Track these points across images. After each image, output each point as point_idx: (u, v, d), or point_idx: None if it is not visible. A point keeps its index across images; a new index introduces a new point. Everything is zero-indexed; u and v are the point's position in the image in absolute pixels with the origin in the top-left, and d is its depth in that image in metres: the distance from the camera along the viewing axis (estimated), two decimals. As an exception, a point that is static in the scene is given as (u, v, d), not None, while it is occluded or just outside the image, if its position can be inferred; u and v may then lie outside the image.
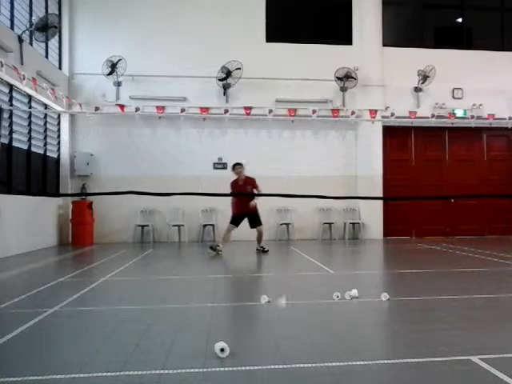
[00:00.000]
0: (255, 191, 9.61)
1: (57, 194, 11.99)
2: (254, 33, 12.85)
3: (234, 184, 9.77)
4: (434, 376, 2.81)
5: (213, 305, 4.73)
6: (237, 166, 9.77)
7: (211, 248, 9.46)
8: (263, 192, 9.36)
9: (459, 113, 13.19)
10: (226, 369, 2.90)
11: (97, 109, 11.60)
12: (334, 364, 2.96)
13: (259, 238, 9.84)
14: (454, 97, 13.43)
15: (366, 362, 2.99)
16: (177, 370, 2.89)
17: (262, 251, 9.61)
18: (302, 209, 12.71)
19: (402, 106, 12.72)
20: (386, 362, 3.04)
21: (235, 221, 9.74)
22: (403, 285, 6.01)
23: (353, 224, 13.05)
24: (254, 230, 9.82)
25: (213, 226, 12.49)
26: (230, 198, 9.94)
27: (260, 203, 9.75)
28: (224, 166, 12.65)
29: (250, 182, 9.72)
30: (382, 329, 4.07)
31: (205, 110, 11.96)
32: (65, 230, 11.88)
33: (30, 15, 10.50)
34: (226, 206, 12.35)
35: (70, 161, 12.18)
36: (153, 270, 7.75)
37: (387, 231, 13.22)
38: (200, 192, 11.32)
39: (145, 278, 6.72)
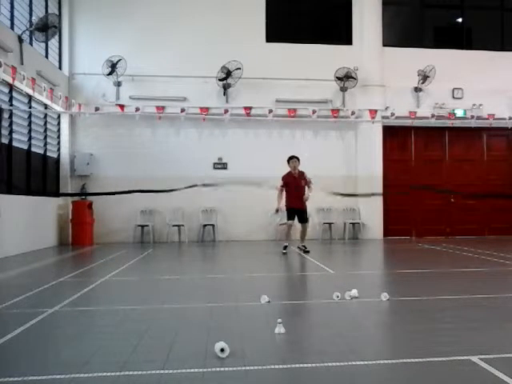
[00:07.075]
0: (307, 188, 9.29)
1: (57, 194, 11.96)
2: (254, 33, 12.85)
3: (288, 177, 9.41)
4: (434, 376, 2.81)
5: (213, 305, 4.73)
6: (293, 159, 9.41)
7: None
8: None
9: (459, 113, 13.19)
10: (226, 369, 2.90)
11: (97, 109, 11.60)
12: (333, 364, 2.96)
13: (303, 236, 9.69)
14: (453, 97, 13.42)
15: (365, 362, 2.99)
16: (177, 370, 2.89)
17: (304, 251, 9.39)
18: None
19: (402, 106, 12.72)
20: (385, 361, 3.03)
21: (289, 215, 9.44)
22: (403, 285, 6.00)
23: (353, 224, 13.04)
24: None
25: (213, 225, 12.49)
26: (282, 190, 9.41)
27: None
28: (224, 166, 12.67)
29: (304, 176, 9.40)
30: (381, 329, 4.07)
31: (205, 110, 11.96)
32: (65, 230, 11.88)
33: (30, 15, 10.50)
34: (225, 206, 12.45)
35: (69, 161, 12.18)
36: (153, 270, 7.75)
37: (387, 231, 13.22)
38: (201, 190, 11.39)
39: (145, 278, 6.72)
